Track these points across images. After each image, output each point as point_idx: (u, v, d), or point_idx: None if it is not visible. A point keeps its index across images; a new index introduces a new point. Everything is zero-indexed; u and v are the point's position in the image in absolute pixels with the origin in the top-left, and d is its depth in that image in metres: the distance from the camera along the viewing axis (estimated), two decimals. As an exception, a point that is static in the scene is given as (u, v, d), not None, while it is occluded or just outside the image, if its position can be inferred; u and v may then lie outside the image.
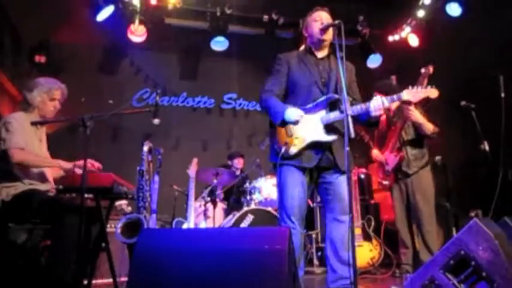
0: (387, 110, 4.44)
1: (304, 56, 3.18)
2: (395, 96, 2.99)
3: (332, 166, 3.02)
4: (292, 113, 2.93)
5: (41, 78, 3.42)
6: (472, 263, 2.21)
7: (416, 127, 4.26)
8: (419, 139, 4.32)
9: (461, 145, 5.64)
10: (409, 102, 3.93)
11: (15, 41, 5.83)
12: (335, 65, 3.10)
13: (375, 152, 4.55)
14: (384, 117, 4.50)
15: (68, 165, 3.14)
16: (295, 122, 2.93)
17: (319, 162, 3.00)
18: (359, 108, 2.97)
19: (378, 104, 2.91)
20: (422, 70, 3.82)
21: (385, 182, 4.43)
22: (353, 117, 2.89)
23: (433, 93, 3.06)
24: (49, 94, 3.35)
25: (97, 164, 3.27)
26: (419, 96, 3.02)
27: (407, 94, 3.00)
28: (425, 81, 3.80)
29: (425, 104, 4.01)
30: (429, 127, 4.17)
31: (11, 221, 3.05)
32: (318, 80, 3.08)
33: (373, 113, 2.93)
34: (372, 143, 4.73)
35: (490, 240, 2.18)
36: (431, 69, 3.82)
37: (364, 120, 3.06)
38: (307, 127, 2.98)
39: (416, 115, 4.12)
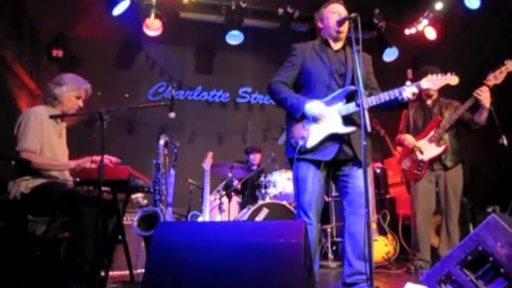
0: (422, 97, 4.38)
1: (320, 48, 3.15)
2: (414, 85, 2.96)
3: (351, 158, 2.99)
4: (314, 107, 2.92)
5: (70, 74, 3.47)
6: (490, 259, 2.18)
7: (464, 119, 4.18)
8: (458, 132, 4.28)
9: (480, 139, 5.56)
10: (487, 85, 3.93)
11: (32, 36, 5.90)
12: (351, 57, 3.07)
13: (410, 138, 4.35)
14: (416, 104, 4.45)
15: (78, 162, 3.18)
16: (317, 118, 2.92)
17: (338, 155, 2.97)
18: (377, 98, 2.91)
19: (411, 90, 2.87)
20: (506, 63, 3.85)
21: (416, 172, 4.29)
22: (380, 107, 2.86)
23: (453, 80, 3.02)
24: (78, 92, 3.41)
25: (114, 159, 3.31)
26: (439, 84, 2.98)
27: (426, 82, 2.97)
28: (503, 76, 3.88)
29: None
30: (485, 117, 4.10)
31: (30, 213, 3.11)
32: (334, 72, 3.05)
33: (404, 94, 2.87)
34: (387, 137, 4.68)
35: (508, 236, 2.15)
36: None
37: (395, 105, 3.01)
38: (325, 119, 2.95)
39: (488, 98, 3.99)
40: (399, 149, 4.69)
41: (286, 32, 6.82)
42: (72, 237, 3.00)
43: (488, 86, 3.95)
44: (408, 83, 2.91)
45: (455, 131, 4.34)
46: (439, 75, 2.98)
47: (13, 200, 3.06)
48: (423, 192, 4.28)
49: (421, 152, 4.26)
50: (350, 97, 2.97)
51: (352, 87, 2.94)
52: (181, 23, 6.69)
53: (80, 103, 3.44)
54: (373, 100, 2.91)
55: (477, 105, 4.06)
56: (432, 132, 4.25)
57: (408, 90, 2.87)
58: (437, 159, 4.25)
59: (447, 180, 4.25)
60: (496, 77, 3.91)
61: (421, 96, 4.39)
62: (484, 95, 3.95)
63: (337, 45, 3.16)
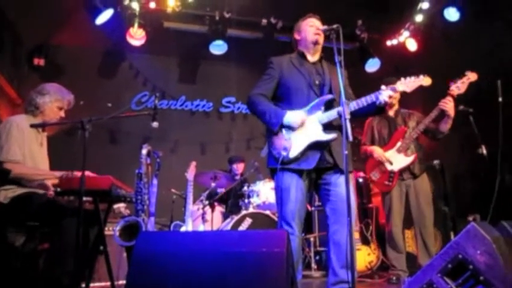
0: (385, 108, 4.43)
1: (297, 60, 3.20)
2: (389, 88, 3.00)
3: (332, 166, 3.02)
4: (293, 116, 2.95)
5: (53, 84, 3.44)
6: (470, 267, 2.20)
7: (429, 128, 4.23)
8: (420, 142, 4.34)
9: (459, 149, 5.66)
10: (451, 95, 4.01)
11: (14, 44, 5.84)
12: (328, 69, 3.17)
13: (378, 150, 4.36)
14: (378, 115, 4.48)
15: (61, 174, 3.14)
16: (296, 127, 2.95)
17: (319, 163, 2.99)
18: (363, 101, 2.97)
19: (387, 92, 2.93)
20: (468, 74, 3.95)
21: (387, 183, 4.31)
22: (357, 113, 2.91)
23: (426, 81, 3.08)
24: (61, 103, 3.38)
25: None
26: (413, 86, 3.03)
27: (401, 85, 3.02)
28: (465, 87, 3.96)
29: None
30: (449, 125, 4.17)
31: (9, 223, 3.05)
32: (312, 83, 3.09)
33: (381, 98, 2.93)
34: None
35: (487, 245, 2.18)
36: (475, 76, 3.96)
37: (371, 110, 3.07)
38: (305, 128, 2.98)
39: (452, 108, 4.06)
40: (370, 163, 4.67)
41: (270, 42, 6.87)
42: (52, 248, 2.96)
43: (452, 96, 4.03)
44: (383, 87, 2.96)
45: (418, 141, 4.39)
46: (412, 77, 3.04)
47: (-8, 210, 3.01)
48: (396, 202, 4.32)
49: (390, 163, 4.30)
50: (328, 105, 3.02)
51: (330, 96, 3.02)
52: (165, 33, 6.70)
53: (62, 114, 3.41)
54: (353, 105, 2.96)
55: (441, 115, 4.15)
56: (400, 143, 4.30)
57: (384, 94, 2.93)
58: (407, 168, 4.30)
59: (418, 188, 4.30)
60: (458, 88, 3.99)
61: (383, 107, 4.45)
62: (449, 105, 4.03)
63: (313, 58, 3.22)
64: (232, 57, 7.08)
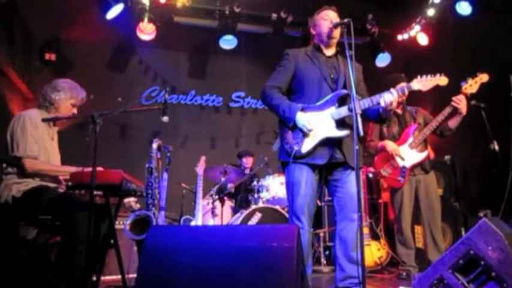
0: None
1: (312, 54, 3.18)
2: (405, 87, 2.98)
3: (343, 163, 3.01)
4: (303, 120, 2.94)
5: (67, 80, 3.44)
6: (481, 263, 2.19)
7: (439, 125, 4.19)
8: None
9: (471, 145, 5.61)
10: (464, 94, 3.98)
11: (25, 39, 5.87)
12: (343, 63, 3.13)
13: (392, 144, 4.29)
14: None
15: (77, 170, 3.16)
16: (306, 131, 2.94)
17: (330, 158, 2.99)
18: (369, 101, 2.95)
19: (388, 99, 2.90)
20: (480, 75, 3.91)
21: (399, 179, 4.25)
22: (364, 115, 2.89)
23: (442, 81, 3.05)
24: (75, 100, 3.40)
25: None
26: (430, 85, 3.00)
27: (417, 83, 2.99)
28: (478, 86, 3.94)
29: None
30: (459, 123, 4.15)
31: (21, 217, 3.09)
32: (327, 77, 3.08)
33: (385, 107, 2.92)
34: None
35: (499, 240, 2.16)
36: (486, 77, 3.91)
37: (376, 117, 3.07)
38: (318, 124, 2.97)
39: (465, 107, 4.02)
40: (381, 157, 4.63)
41: (280, 36, 6.87)
42: (63, 241, 2.98)
43: (465, 95, 3.99)
44: (392, 90, 2.93)
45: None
46: (429, 76, 3.01)
47: (4, 204, 3.03)
48: (407, 198, 4.28)
49: (402, 159, 4.27)
50: (342, 101, 3.00)
51: (344, 91, 2.98)
52: (175, 28, 6.70)
53: (75, 110, 3.43)
54: (365, 102, 2.93)
55: (453, 112, 4.11)
56: (411, 139, 4.26)
57: (386, 97, 2.91)
58: (418, 164, 4.27)
59: (428, 184, 4.27)
60: (471, 86, 3.96)
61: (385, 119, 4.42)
62: (462, 104, 3.99)
63: (329, 52, 3.19)
64: (242, 51, 7.07)
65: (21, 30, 5.72)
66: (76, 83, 3.47)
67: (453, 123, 4.16)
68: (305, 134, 2.97)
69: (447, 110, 4.09)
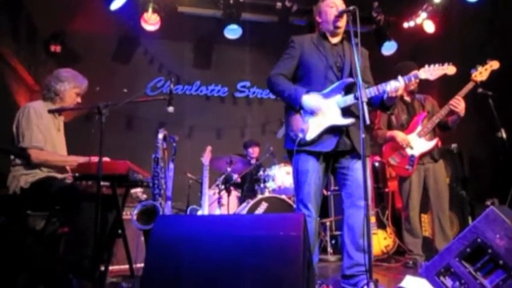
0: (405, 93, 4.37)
1: (318, 41, 3.16)
2: (412, 76, 2.96)
3: (349, 150, 3.00)
4: (311, 100, 2.94)
5: (69, 70, 3.46)
6: (488, 251, 2.19)
7: (441, 121, 4.19)
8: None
9: (478, 133, 5.57)
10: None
11: (30, 31, 5.88)
12: (349, 51, 3.10)
13: (401, 135, 4.25)
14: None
15: (84, 159, 3.18)
16: (314, 111, 2.93)
17: (337, 146, 2.98)
18: (375, 89, 2.93)
19: (394, 85, 2.88)
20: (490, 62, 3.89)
21: (408, 167, 4.22)
22: (368, 102, 2.88)
23: (450, 70, 3.03)
24: (79, 89, 3.42)
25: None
26: (437, 74, 2.99)
27: (424, 72, 2.97)
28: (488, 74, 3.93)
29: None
30: (457, 123, 4.15)
31: (30, 208, 3.11)
32: (332, 65, 3.06)
33: (390, 94, 2.90)
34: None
35: (507, 228, 2.15)
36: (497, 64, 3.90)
37: (379, 104, 3.06)
38: (323, 112, 2.96)
39: (463, 109, 4.00)
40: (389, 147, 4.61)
41: (285, 25, 6.82)
42: (71, 232, 3.00)
43: (475, 82, 3.97)
44: (400, 77, 2.91)
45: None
46: (436, 65, 2.99)
47: (13, 195, 3.06)
48: (415, 187, 4.26)
49: (411, 147, 4.23)
50: (348, 89, 2.99)
51: (350, 80, 2.96)
52: (179, 18, 6.69)
53: (79, 99, 3.45)
54: (371, 91, 2.92)
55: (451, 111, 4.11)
56: (420, 127, 4.23)
57: (392, 84, 2.90)
58: (427, 153, 4.24)
59: (436, 172, 4.25)
60: (481, 74, 3.93)
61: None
62: (460, 107, 3.98)
63: (334, 39, 3.16)
64: (247, 41, 7.04)
65: (27, 23, 5.73)
66: (77, 72, 3.49)
67: (452, 123, 4.17)
68: (311, 120, 2.96)
69: (445, 110, 4.11)
